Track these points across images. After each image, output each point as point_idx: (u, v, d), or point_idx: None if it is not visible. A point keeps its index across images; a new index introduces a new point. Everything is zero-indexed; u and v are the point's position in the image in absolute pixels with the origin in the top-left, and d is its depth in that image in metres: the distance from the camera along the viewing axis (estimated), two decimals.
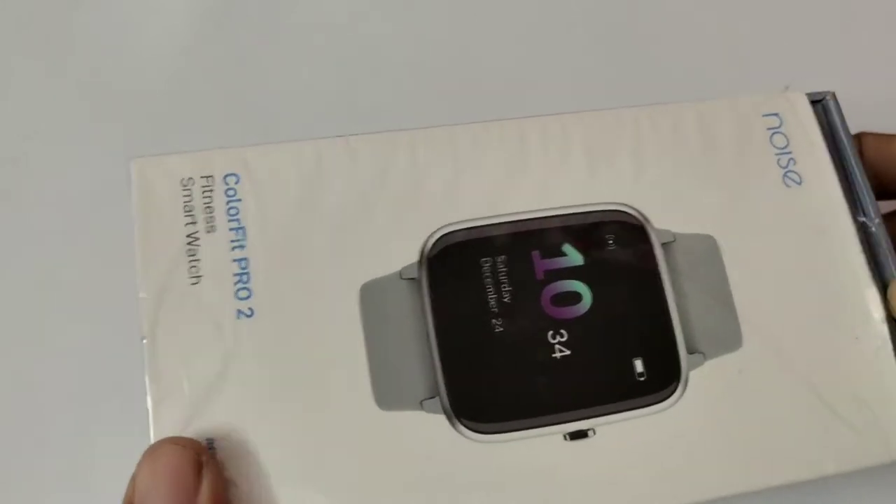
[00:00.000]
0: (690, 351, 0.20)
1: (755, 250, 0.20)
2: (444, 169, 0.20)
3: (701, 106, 0.22)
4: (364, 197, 0.20)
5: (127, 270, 0.19)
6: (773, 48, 0.32)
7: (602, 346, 0.19)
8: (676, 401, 0.19)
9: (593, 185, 0.20)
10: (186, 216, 0.19)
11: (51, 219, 0.29)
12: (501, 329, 0.19)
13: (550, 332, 0.19)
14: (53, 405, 0.26)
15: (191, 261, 0.19)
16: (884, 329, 0.20)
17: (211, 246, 0.19)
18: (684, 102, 0.22)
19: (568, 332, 0.19)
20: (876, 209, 0.21)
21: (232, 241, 0.19)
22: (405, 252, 0.19)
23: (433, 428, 0.18)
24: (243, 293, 0.19)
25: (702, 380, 0.19)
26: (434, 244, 0.20)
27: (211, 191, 0.19)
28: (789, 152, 0.21)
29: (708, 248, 0.20)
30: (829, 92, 0.22)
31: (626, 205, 0.20)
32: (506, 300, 0.19)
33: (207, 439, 0.18)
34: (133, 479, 0.17)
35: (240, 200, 0.19)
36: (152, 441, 0.18)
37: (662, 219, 0.20)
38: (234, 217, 0.19)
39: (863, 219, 0.21)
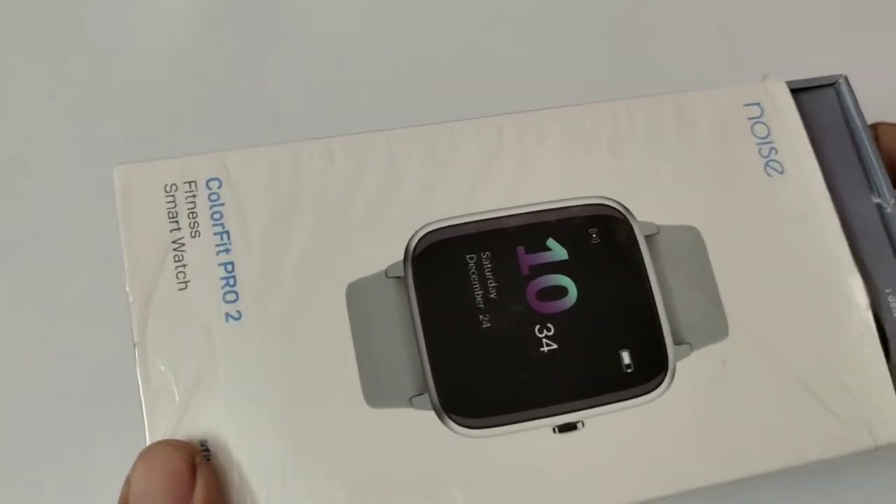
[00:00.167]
0: (677, 342, 0.20)
1: (739, 240, 0.21)
2: (423, 167, 0.20)
3: (680, 97, 0.22)
4: (345, 197, 0.20)
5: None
6: (774, 46, 0.33)
7: (589, 339, 0.19)
8: (664, 392, 0.19)
9: (574, 180, 0.21)
10: (171, 222, 0.19)
11: (51, 219, 0.29)
12: (488, 325, 0.19)
13: (537, 327, 0.19)
14: (53, 405, 0.26)
15: (177, 266, 0.19)
16: (868, 316, 0.20)
17: (196, 251, 0.19)
18: (663, 94, 0.22)
19: (554, 327, 0.19)
20: (891, 190, 0.21)
21: (217, 245, 0.19)
22: (390, 251, 0.20)
23: (422, 424, 0.18)
24: (230, 297, 0.19)
25: (689, 370, 0.19)
26: (419, 242, 0.20)
27: (194, 196, 0.19)
28: (770, 142, 0.22)
29: (692, 240, 0.20)
30: (841, 75, 0.23)
31: (608, 198, 0.21)
32: (492, 296, 0.19)
33: (200, 441, 0.18)
34: (128, 480, 0.17)
35: (223, 205, 0.19)
36: (147, 443, 0.18)
37: (645, 211, 0.21)
38: (219, 221, 0.19)
39: (878, 200, 0.22)
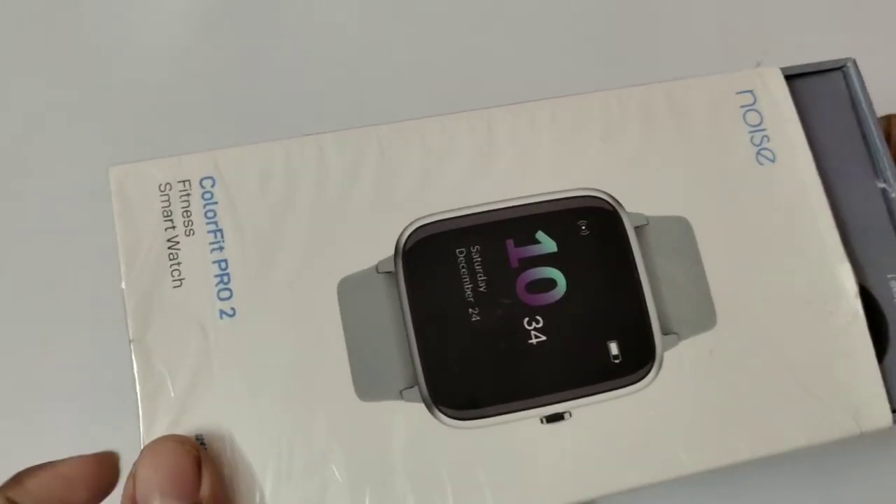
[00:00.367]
0: (665, 332, 0.20)
1: (729, 229, 0.21)
2: (415, 162, 0.20)
3: (671, 85, 0.22)
4: (336, 194, 0.20)
5: None
6: (777, 43, 0.32)
7: (577, 331, 0.20)
8: (651, 381, 0.19)
9: (564, 171, 0.21)
10: (166, 221, 0.20)
11: (50, 218, 0.29)
12: (478, 317, 0.20)
13: (526, 319, 0.20)
14: (53, 405, 0.27)
15: (172, 264, 0.19)
16: (857, 304, 0.20)
17: (191, 249, 0.19)
18: (654, 83, 0.22)
19: (543, 319, 0.20)
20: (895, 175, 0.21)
21: (211, 243, 0.19)
22: (381, 246, 0.20)
23: (413, 416, 0.19)
24: (224, 294, 0.19)
25: (676, 360, 0.20)
26: (409, 237, 0.20)
27: (188, 195, 0.20)
28: (763, 129, 0.22)
29: (681, 230, 0.21)
30: (849, 58, 0.22)
31: (597, 190, 0.21)
32: (481, 289, 0.20)
33: (196, 435, 0.18)
34: (133, 475, 0.17)
35: (216, 203, 0.20)
36: (142, 439, 0.18)
37: (635, 202, 0.21)
38: (212, 220, 0.20)
39: (883, 185, 0.22)
